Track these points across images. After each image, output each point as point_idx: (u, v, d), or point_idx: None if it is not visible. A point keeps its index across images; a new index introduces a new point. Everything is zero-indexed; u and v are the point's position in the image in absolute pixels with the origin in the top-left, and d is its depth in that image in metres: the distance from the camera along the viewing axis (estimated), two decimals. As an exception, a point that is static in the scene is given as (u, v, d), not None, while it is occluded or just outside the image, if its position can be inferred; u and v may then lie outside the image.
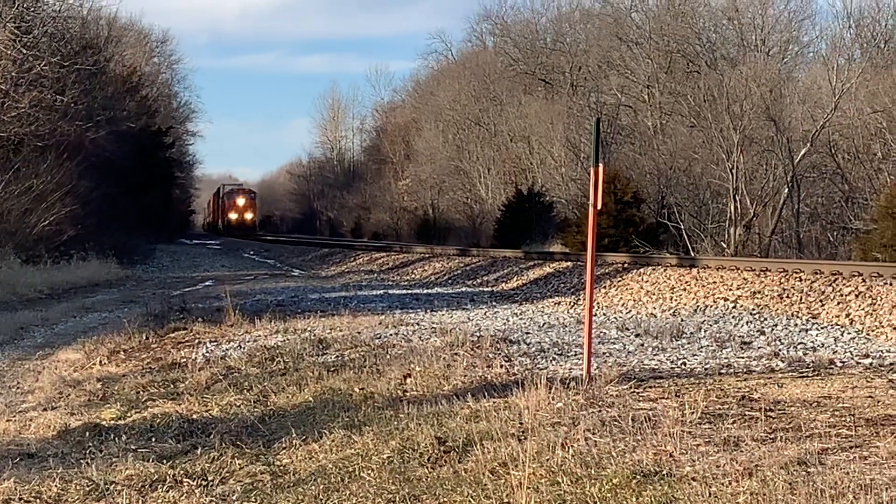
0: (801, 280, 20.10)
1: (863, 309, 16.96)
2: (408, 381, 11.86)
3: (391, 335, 16.09)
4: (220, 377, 13.38)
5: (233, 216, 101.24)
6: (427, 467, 8.31)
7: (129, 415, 11.67)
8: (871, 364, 12.69)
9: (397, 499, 7.57)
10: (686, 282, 22.78)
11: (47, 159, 35.59)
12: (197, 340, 17.07)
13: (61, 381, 14.27)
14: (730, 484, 7.10)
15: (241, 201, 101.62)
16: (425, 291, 27.12)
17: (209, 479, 8.66)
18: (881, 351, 13.79)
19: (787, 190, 41.53)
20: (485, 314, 20.24)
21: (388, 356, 13.68)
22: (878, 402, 9.91)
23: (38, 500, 8.27)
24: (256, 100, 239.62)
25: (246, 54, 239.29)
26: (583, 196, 44.64)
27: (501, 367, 12.45)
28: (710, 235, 41.83)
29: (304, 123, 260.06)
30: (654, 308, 20.64)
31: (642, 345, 14.46)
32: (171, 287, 31.76)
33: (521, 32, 76.57)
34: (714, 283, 21.92)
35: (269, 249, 61.31)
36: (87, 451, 9.80)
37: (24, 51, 34.77)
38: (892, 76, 44.10)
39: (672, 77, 55.66)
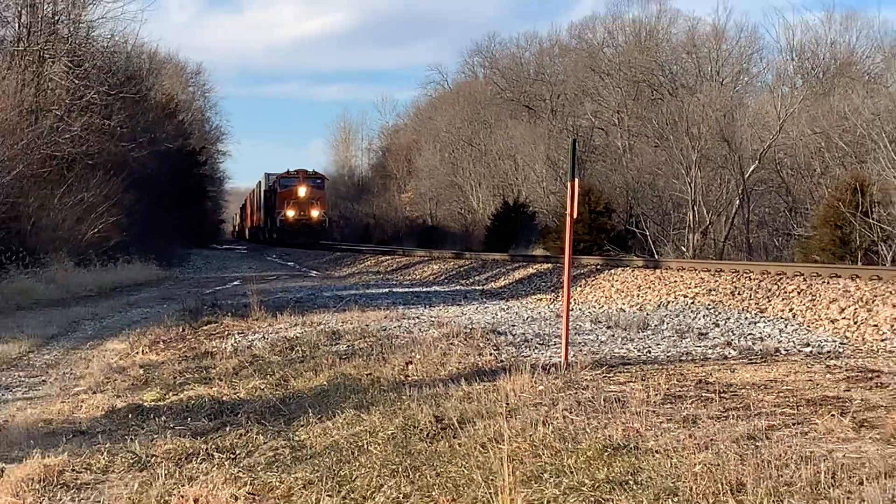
0: (750, 279, 20.09)
1: (804, 304, 16.95)
2: (409, 367, 11.85)
3: (395, 327, 16.07)
4: (247, 364, 13.36)
5: (290, 213, 63.17)
6: (426, 442, 8.30)
7: (167, 397, 11.65)
8: (810, 352, 12.69)
9: (400, 469, 7.56)
10: (651, 281, 22.76)
11: (96, 175, 35.57)
12: (226, 332, 17.05)
13: (109, 368, 14.26)
14: (688, 456, 7.09)
15: (302, 191, 63.13)
16: (425, 290, 27.06)
17: (237, 452, 8.65)
18: (819, 341, 13.78)
19: (738, 201, 41.57)
20: (476, 309, 20.21)
21: (392, 346, 13.67)
22: (817, 384, 9.91)
23: (88, 471, 8.27)
24: (279, 124, 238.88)
25: (270, 84, 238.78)
26: (561, 207, 44.57)
27: (490, 355, 12.43)
28: (671, 241, 41.85)
29: (320, 144, 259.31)
30: (623, 304, 20.62)
31: (613, 336, 14.45)
32: (204, 286, 31.69)
33: (508, 65, 76.84)
34: (675, 282, 21.89)
35: (289, 253, 61.10)
36: (131, 429, 9.81)
37: (77, 81, 34.89)
38: (829, 102, 44.23)
39: (638, 103, 55.73)
